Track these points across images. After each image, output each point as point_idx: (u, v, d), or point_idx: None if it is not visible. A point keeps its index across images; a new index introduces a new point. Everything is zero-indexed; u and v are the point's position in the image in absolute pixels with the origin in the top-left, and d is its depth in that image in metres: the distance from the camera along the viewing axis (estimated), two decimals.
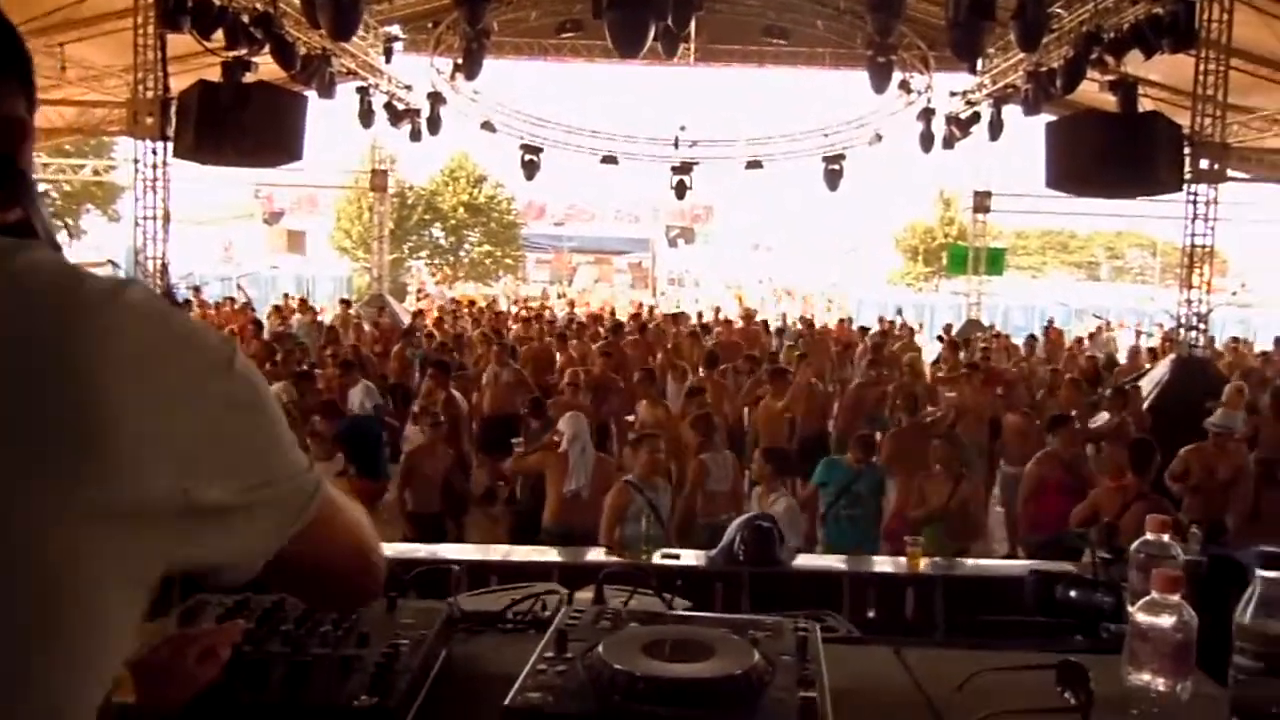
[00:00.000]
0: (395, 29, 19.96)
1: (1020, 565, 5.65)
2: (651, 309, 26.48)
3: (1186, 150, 14.16)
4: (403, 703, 1.36)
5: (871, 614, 5.72)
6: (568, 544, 6.60)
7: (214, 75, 14.37)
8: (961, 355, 14.79)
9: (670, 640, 1.45)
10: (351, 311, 19.67)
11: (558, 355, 13.80)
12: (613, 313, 23.02)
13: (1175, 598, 1.44)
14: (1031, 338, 18.89)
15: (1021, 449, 9.10)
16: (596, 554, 6.09)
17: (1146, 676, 1.47)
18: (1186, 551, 2.86)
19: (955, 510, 7.44)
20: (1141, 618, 1.46)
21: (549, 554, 6.04)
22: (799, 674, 1.41)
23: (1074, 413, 9.60)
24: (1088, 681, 1.64)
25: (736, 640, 1.47)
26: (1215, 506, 7.63)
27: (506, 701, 1.31)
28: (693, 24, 15.00)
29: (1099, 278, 48.82)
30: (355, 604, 1.41)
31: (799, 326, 20.20)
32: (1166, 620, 1.45)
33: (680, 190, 24.00)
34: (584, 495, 7.33)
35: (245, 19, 14.14)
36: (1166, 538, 1.71)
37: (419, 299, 30.08)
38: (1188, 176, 14.34)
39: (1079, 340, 20.90)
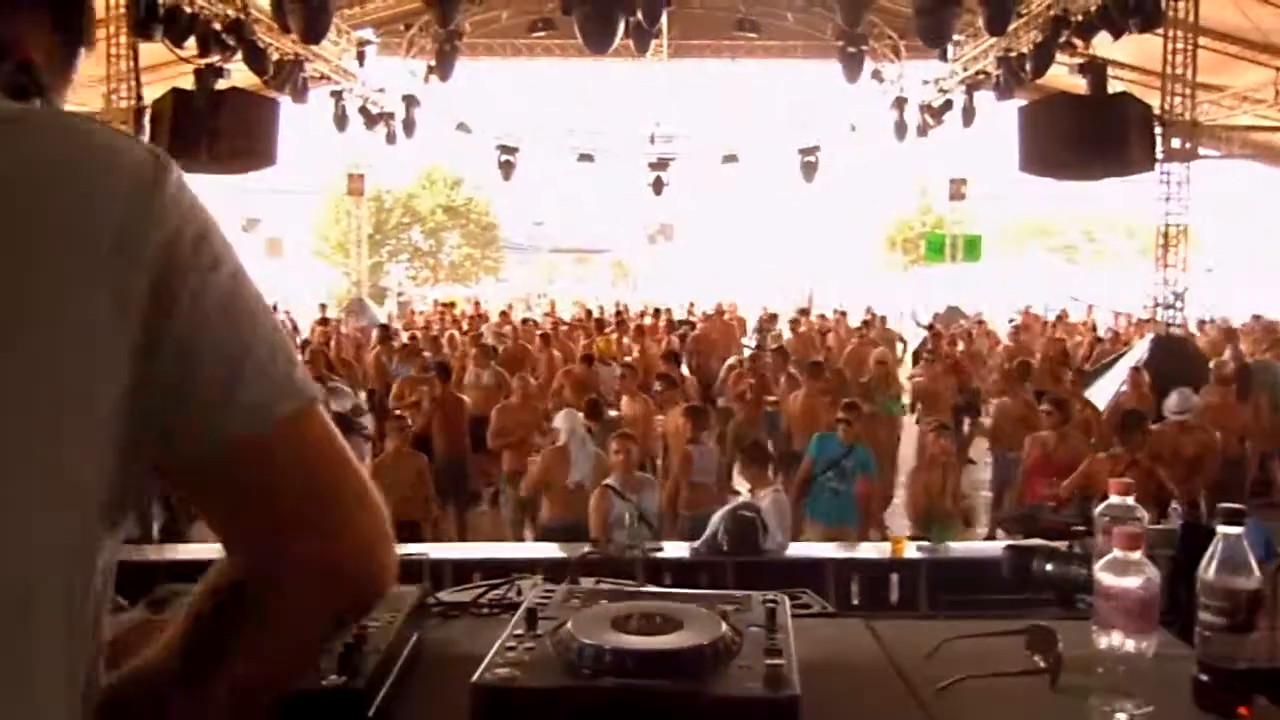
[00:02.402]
0: (368, 33, 19.89)
1: (1002, 545, 5.69)
2: (626, 307, 26.39)
3: (1158, 130, 14.25)
4: (371, 683, 1.36)
5: (856, 601, 5.75)
6: (571, 540, 6.60)
7: (187, 83, 14.33)
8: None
9: (639, 614, 1.46)
10: (332, 319, 19.50)
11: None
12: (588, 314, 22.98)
13: (1137, 555, 1.45)
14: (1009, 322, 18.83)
15: (1015, 433, 9.22)
16: (582, 550, 6.11)
17: (1113, 636, 1.48)
18: (1166, 524, 2.87)
19: (952, 501, 7.49)
20: (1103, 576, 1.47)
21: (534, 550, 6.06)
22: (766, 644, 1.42)
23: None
24: (1056, 644, 1.65)
25: (704, 613, 1.48)
26: (1186, 485, 7.71)
27: (474, 678, 1.32)
28: (665, 20, 14.98)
29: (1077, 261, 49.01)
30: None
31: (776, 325, 20.15)
32: (1129, 578, 1.46)
33: (658, 186, 24.04)
34: (587, 486, 7.38)
35: (217, 26, 14.08)
36: (1130, 499, 1.73)
37: (399, 303, 30.00)
38: (1159, 156, 14.44)
39: (1054, 323, 21.00)
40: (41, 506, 0.77)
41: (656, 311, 21.85)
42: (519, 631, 1.44)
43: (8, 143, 0.83)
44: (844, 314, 20.27)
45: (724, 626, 1.42)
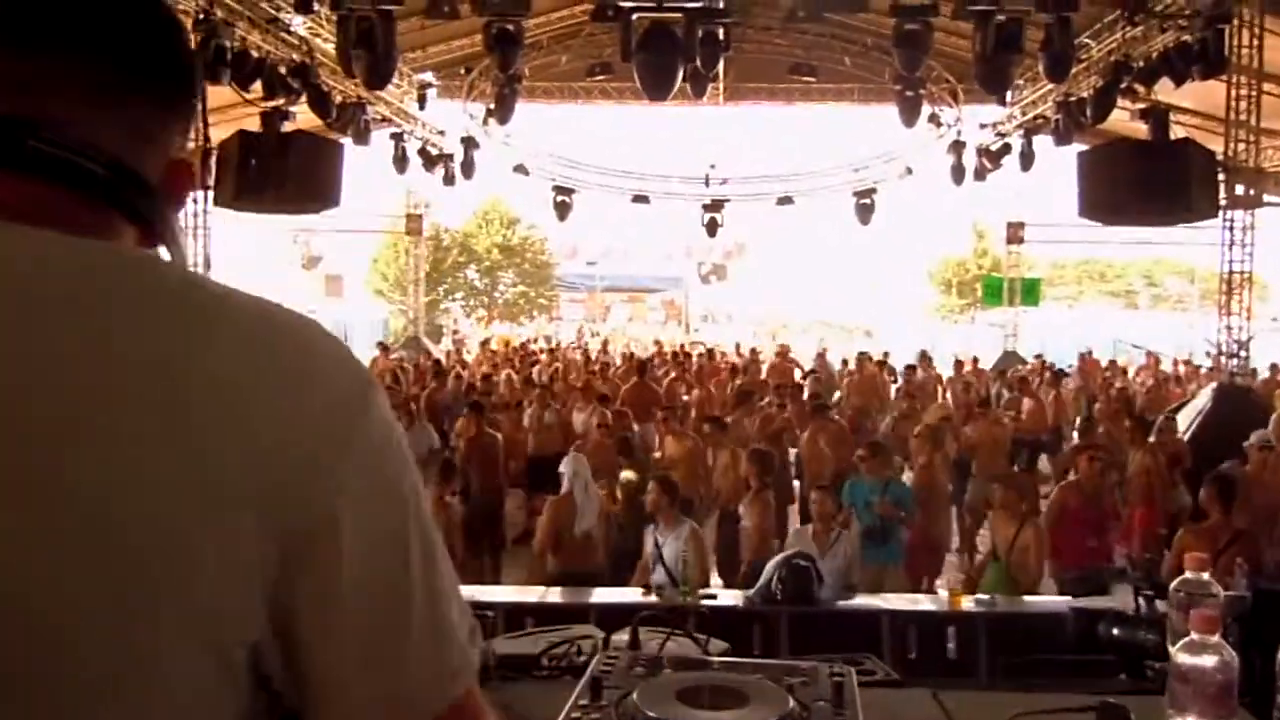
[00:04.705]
0: (429, 76, 20.25)
1: (1063, 601, 5.56)
2: (681, 346, 26.37)
3: (1221, 176, 14.05)
4: None
5: (913, 655, 5.65)
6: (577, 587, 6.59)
7: (253, 125, 14.66)
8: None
9: (705, 687, 1.45)
10: (393, 357, 19.71)
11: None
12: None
13: (1215, 638, 1.42)
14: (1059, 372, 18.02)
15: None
16: (633, 595, 6.09)
17: (1188, 718, 1.45)
18: (1234, 587, 2.80)
19: (1018, 554, 7.31)
20: (1181, 659, 1.44)
21: (586, 595, 6.04)
22: None
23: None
24: None
25: (771, 687, 1.47)
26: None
27: None
28: (721, 64, 15.10)
29: (1137, 306, 48.35)
30: None
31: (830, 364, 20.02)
32: (1207, 661, 1.43)
33: (711, 228, 24.09)
34: (595, 535, 7.33)
35: (283, 70, 14.41)
36: (1205, 575, 1.69)
37: (455, 340, 30.27)
38: (1223, 202, 14.22)
39: (1112, 365, 20.70)
40: None
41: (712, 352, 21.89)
42: (584, 701, 1.44)
43: (208, 335, 0.77)
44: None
45: (791, 702, 1.41)
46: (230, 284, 0.84)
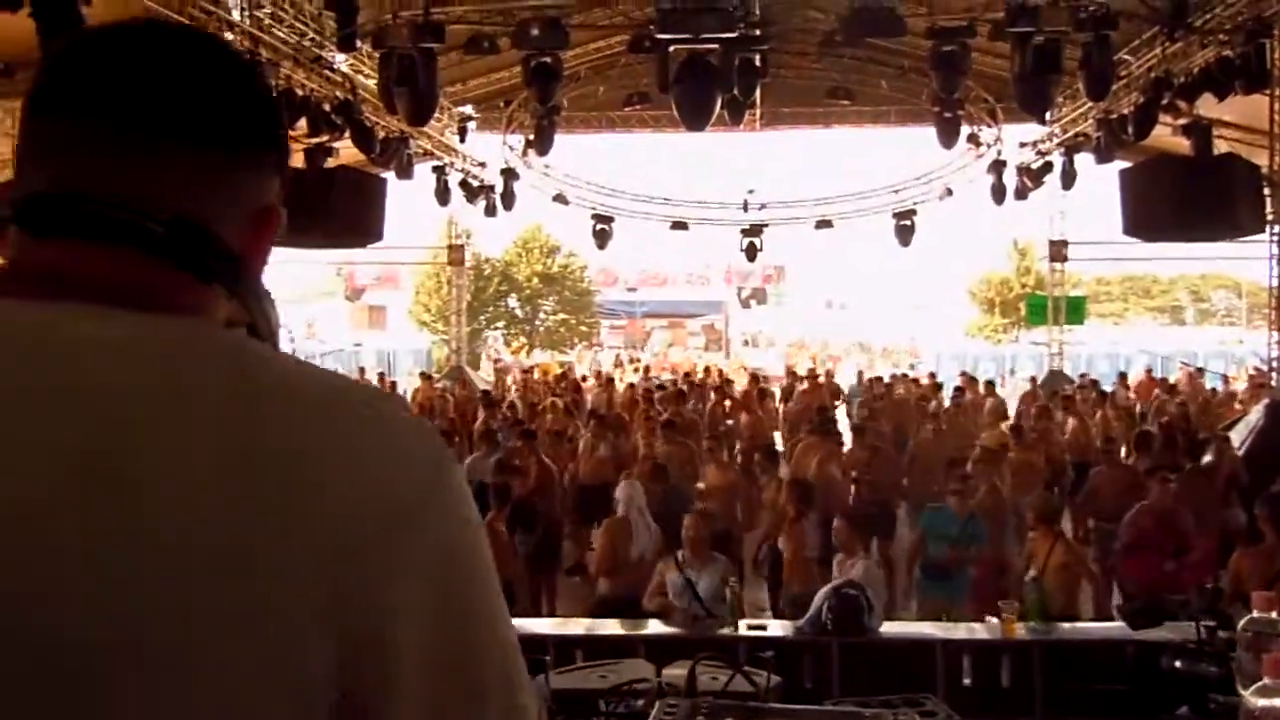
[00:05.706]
0: (469, 109, 20.50)
1: (1119, 628, 5.46)
2: (721, 372, 26.27)
3: (1267, 190, 13.87)
4: None
5: (967, 680, 5.58)
6: (628, 612, 6.57)
7: (298, 162, 14.91)
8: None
9: None
10: (437, 387, 19.86)
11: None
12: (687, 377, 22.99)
13: None
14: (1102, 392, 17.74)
15: (1115, 504, 8.92)
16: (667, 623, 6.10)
17: None
18: None
19: (1051, 574, 7.20)
20: (1253, 702, 1.43)
21: (635, 628, 6.03)
22: None
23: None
24: None
25: None
26: None
27: None
28: (758, 90, 15.14)
29: (1184, 321, 47.72)
30: None
31: (868, 384, 19.89)
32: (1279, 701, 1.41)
33: (751, 252, 24.12)
34: (648, 559, 7.35)
35: (327, 107, 14.64)
36: (1274, 614, 1.67)
37: (496, 367, 30.39)
38: (1269, 216, 14.03)
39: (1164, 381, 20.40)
40: None
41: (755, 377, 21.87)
42: None
43: (269, 409, 0.74)
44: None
45: None
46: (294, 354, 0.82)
